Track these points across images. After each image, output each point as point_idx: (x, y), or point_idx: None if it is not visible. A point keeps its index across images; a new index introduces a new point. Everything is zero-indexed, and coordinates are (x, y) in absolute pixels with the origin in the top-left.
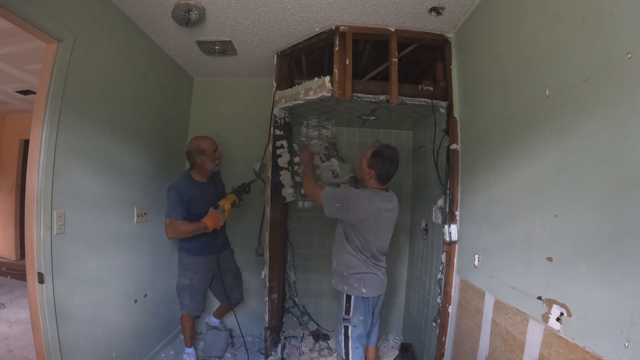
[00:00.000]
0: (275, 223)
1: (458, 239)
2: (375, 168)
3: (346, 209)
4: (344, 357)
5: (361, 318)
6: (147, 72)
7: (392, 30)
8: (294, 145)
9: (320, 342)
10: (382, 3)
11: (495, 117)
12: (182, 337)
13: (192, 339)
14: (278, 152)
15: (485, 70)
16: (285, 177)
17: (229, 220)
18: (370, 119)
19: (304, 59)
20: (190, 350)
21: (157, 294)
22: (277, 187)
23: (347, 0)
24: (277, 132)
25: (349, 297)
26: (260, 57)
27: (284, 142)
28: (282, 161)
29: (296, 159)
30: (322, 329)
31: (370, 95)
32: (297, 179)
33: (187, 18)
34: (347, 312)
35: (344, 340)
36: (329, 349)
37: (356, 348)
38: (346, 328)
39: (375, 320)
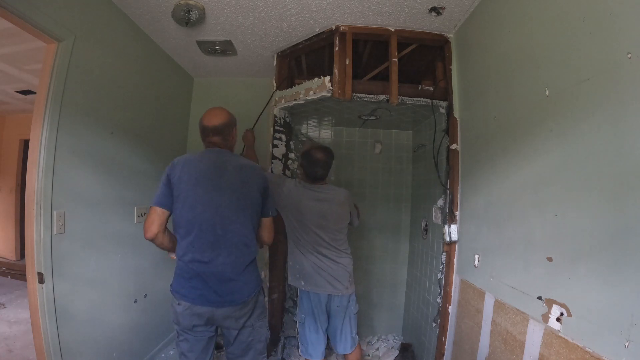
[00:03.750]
0: (275, 223)
1: (458, 239)
2: (303, 167)
3: (276, 193)
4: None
5: (303, 316)
6: (147, 72)
7: (392, 30)
8: (291, 143)
9: None
10: (382, 3)
11: (495, 117)
12: None
13: None
14: (275, 142)
15: (485, 70)
16: (276, 167)
17: None
18: (370, 119)
19: (304, 59)
20: None
21: (157, 294)
22: None
23: (347, 0)
24: (278, 128)
25: (298, 292)
26: (260, 57)
27: (283, 136)
28: (278, 152)
29: (291, 155)
30: None
31: (370, 95)
32: (287, 173)
33: (187, 18)
34: (297, 306)
35: (297, 334)
36: (329, 348)
37: (302, 344)
38: (296, 323)
39: (342, 325)
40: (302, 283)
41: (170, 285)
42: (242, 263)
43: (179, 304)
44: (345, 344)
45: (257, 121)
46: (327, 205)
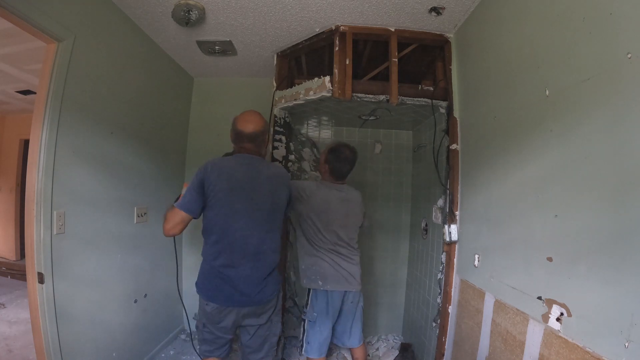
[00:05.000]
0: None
1: (458, 239)
2: (329, 163)
3: (296, 198)
4: (299, 350)
5: (315, 314)
6: (147, 72)
7: (392, 30)
8: (291, 144)
9: None
10: (382, 3)
11: (495, 117)
12: (182, 336)
13: None
14: (275, 144)
15: (485, 70)
16: None
17: None
18: (370, 119)
19: (304, 59)
20: None
21: (157, 294)
22: None
23: (347, 0)
24: (277, 129)
25: (309, 291)
26: (260, 57)
27: (283, 137)
28: (278, 154)
29: (291, 156)
30: None
31: (370, 95)
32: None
33: (187, 18)
34: (306, 305)
35: (301, 333)
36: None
37: (308, 343)
38: (303, 321)
39: (353, 320)
40: (320, 283)
41: (196, 284)
42: (269, 267)
43: (207, 304)
44: (355, 338)
45: (270, 137)
46: (349, 205)
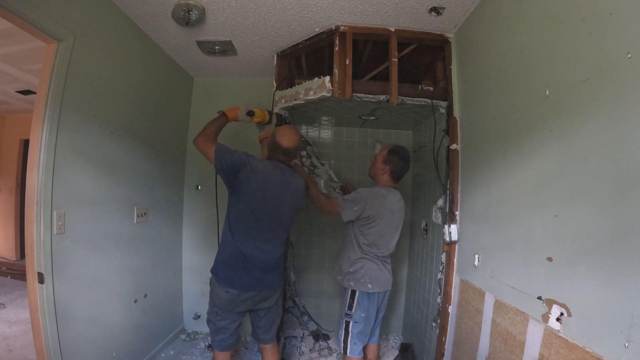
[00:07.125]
0: None
1: (458, 239)
2: (391, 164)
3: (363, 208)
4: (342, 352)
5: (363, 315)
6: (147, 72)
7: (392, 30)
8: None
9: (320, 342)
10: (382, 3)
11: (495, 117)
12: (182, 336)
13: None
14: None
15: (485, 70)
16: None
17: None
18: (370, 119)
19: (304, 59)
20: None
21: (157, 294)
22: None
23: (347, 0)
24: None
25: (353, 293)
26: (260, 57)
27: None
28: None
29: (303, 152)
30: (322, 329)
31: (370, 95)
32: None
33: (187, 18)
34: (350, 307)
35: (344, 335)
36: (329, 349)
37: (354, 344)
38: (347, 323)
39: (381, 316)
40: (370, 286)
41: (214, 272)
42: (279, 258)
43: (226, 292)
44: (377, 335)
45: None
46: (402, 213)
